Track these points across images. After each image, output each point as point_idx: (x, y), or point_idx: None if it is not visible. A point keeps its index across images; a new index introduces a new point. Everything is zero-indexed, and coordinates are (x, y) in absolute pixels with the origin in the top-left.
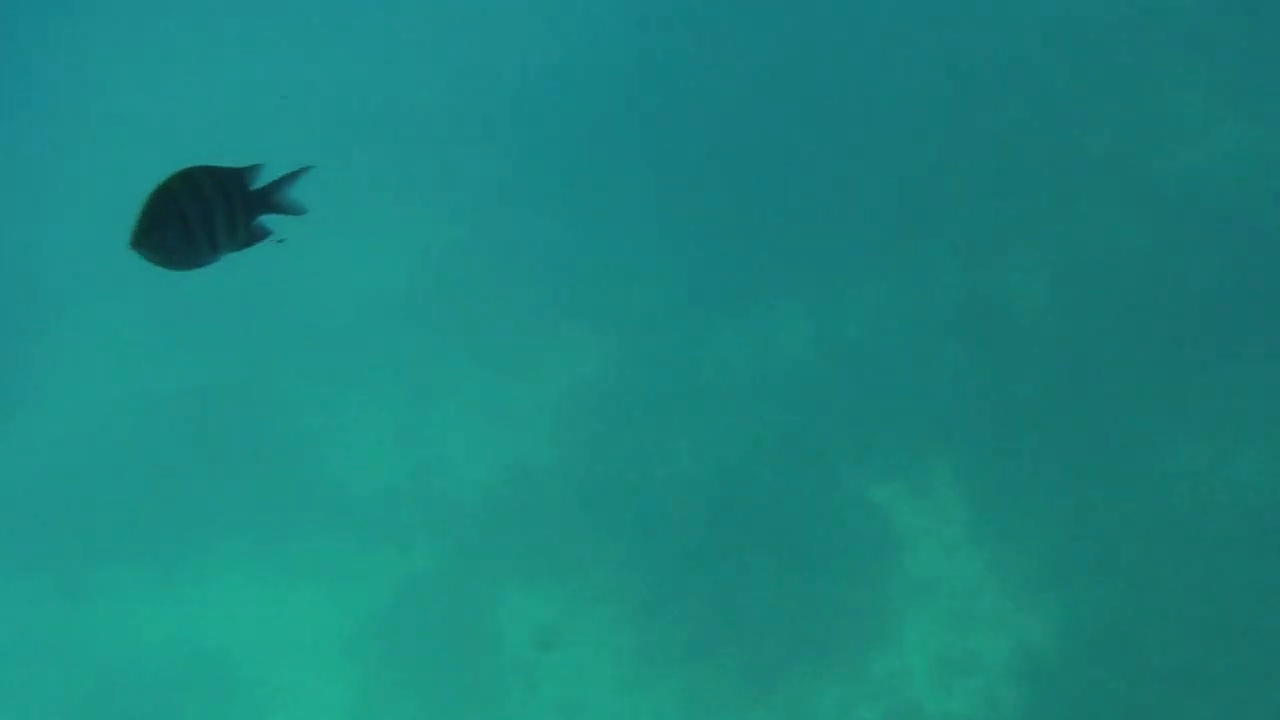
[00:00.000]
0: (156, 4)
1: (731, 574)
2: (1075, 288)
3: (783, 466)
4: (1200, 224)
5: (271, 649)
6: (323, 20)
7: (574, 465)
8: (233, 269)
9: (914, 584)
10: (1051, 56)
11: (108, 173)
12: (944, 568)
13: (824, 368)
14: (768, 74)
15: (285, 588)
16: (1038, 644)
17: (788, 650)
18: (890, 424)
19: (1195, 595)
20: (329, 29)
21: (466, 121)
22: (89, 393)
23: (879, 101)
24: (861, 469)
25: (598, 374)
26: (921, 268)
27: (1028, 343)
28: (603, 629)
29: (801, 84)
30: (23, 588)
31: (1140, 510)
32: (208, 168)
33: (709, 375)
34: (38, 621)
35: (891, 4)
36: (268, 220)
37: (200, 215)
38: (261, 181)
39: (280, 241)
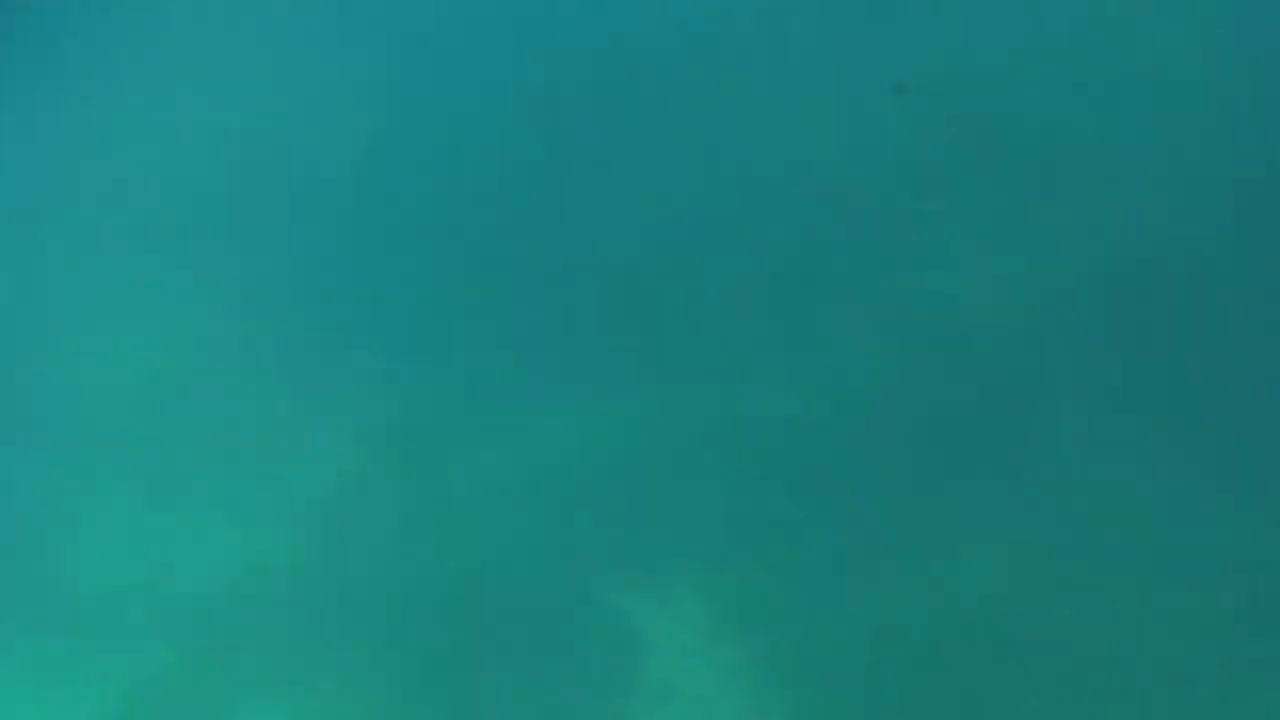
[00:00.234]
0: None
1: (471, 681)
2: (823, 401)
3: (532, 572)
4: (941, 342)
5: None
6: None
7: (314, 569)
8: None
9: (652, 689)
10: (804, 188)
11: None
12: (681, 673)
13: (578, 476)
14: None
15: (3, 688)
16: None
17: None
18: (635, 531)
19: (921, 702)
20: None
21: (238, 214)
22: None
23: (661, 217)
24: (606, 575)
25: (346, 477)
26: (678, 380)
27: (777, 455)
28: None
29: (568, 200)
30: None
31: (871, 619)
32: None
33: (461, 480)
34: None
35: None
36: None
37: None
38: None
39: None
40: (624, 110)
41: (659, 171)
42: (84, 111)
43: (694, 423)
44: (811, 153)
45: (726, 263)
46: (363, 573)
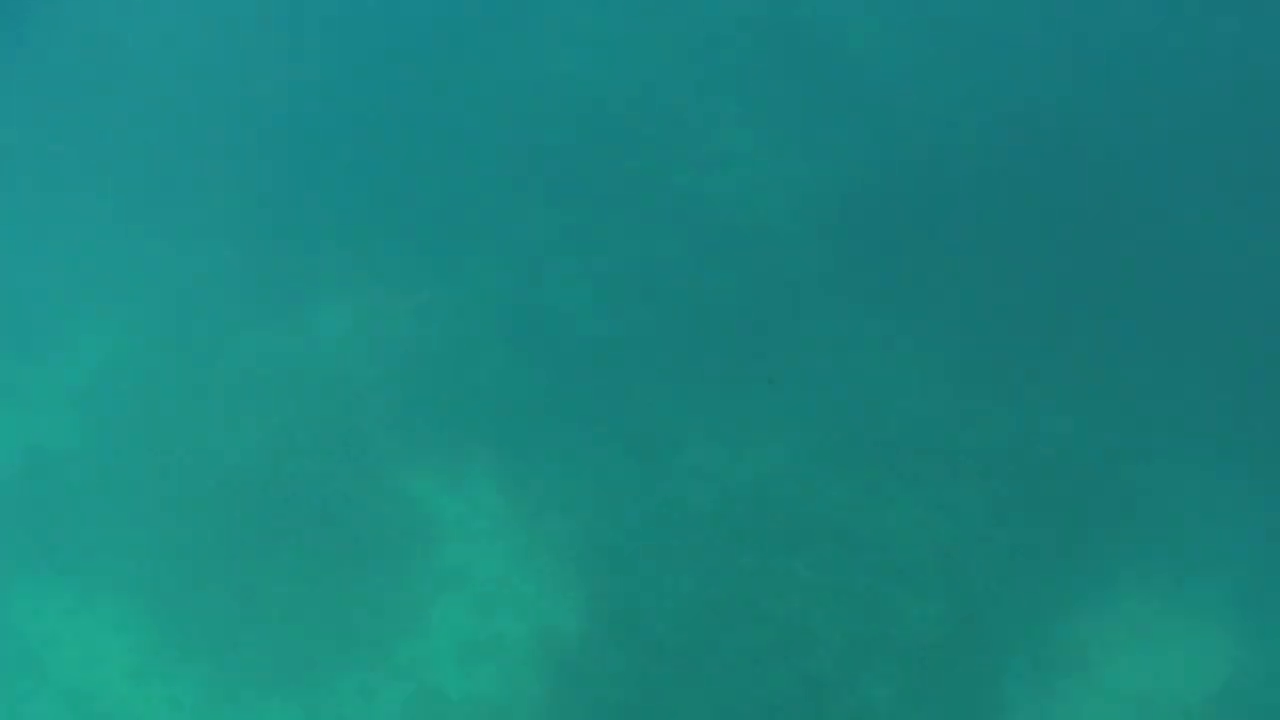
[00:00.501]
0: None
1: (259, 563)
2: (610, 295)
3: (320, 459)
4: (727, 238)
5: None
6: None
7: (96, 450)
8: None
9: (443, 571)
10: (608, 86)
11: None
12: (475, 557)
13: (368, 364)
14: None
15: None
16: (560, 628)
17: (313, 638)
18: (429, 420)
19: (707, 581)
20: None
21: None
22: None
23: (440, 117)
24: (400, 463)
25: (128, 356)
26: (471, 271)
27: (567, 344)
28: (120, 617)
29: (360, 93)
30: None
31: (660, 503)
32: None
33: (249, 366)
34: None
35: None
36: None
37: None
38: None
39: None
40: (402, 16)
41: (439, 76)
42: None
43: (484, 312)
44: (600, 56)
45: (513, 162)
46: (146, 458)
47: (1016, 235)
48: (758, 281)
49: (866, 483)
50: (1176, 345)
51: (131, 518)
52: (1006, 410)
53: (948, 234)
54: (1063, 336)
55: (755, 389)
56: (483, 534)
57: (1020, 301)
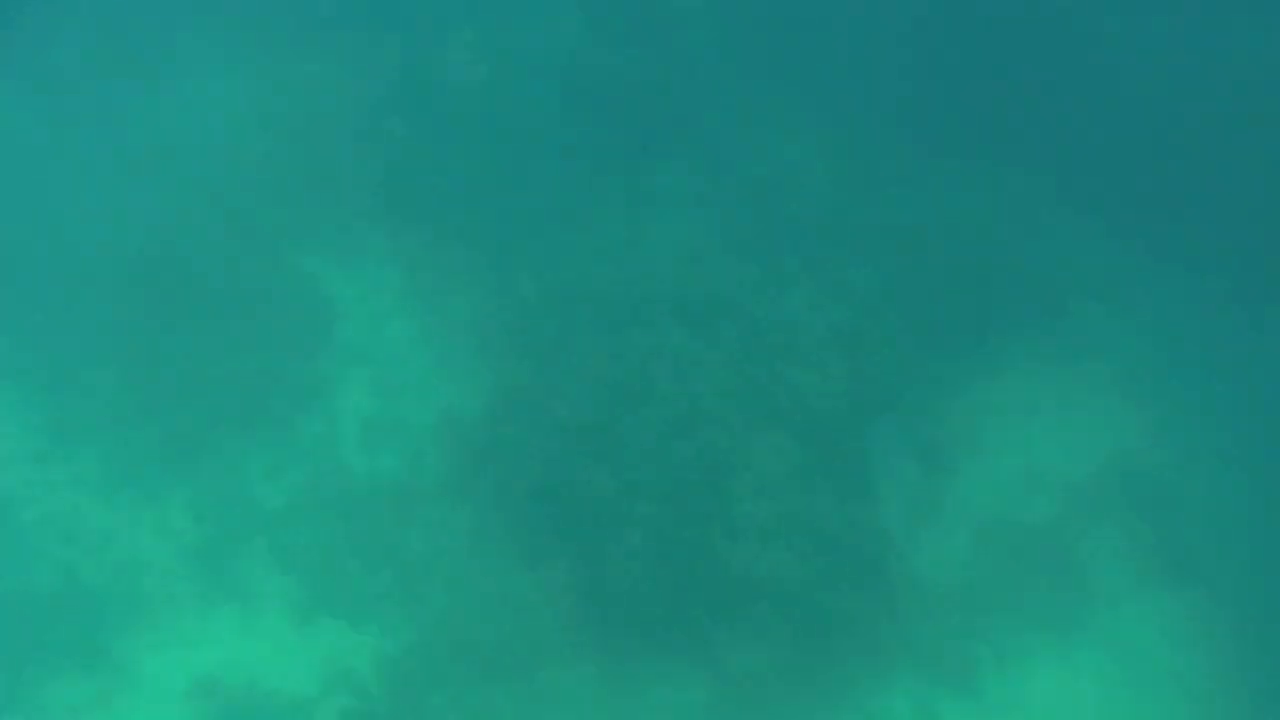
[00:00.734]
0: None
1: (157, 342)
2: (512, 68)
3: (213, 235)
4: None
5: None
6: None
7: None
8: None
9: (344, 352)
10: None
11: None
12: (374, 336)
13: (261, 139)
14: None
15: None
16: (461, 406)
17: (213, 417)
18: (325, 196)
19: (606, 360)
20: None
21: None
22: None
23: None
24: (295, 241)
25: (12, 137)
26: (367, 44)
27: (467, 121)
28: (18, 400)
29: None
30: None
31: (560, 284)
32: None
33: (138, 142)
34: None
35: None
36: None
37: None
38: None
39: None
40: None
41: None
42: None
43: (381, 87)
44: None
45: None
46: (36, 239)
47: (913, 17)
48: (659, 60)
49: (766, 263)
50: (1071, 128)
51: (23, 300)
52: (904, 191)
53: (848, 12)
54: (961, 117)
55: (655, 168)
56: (383, 313)
57: (919, 81)
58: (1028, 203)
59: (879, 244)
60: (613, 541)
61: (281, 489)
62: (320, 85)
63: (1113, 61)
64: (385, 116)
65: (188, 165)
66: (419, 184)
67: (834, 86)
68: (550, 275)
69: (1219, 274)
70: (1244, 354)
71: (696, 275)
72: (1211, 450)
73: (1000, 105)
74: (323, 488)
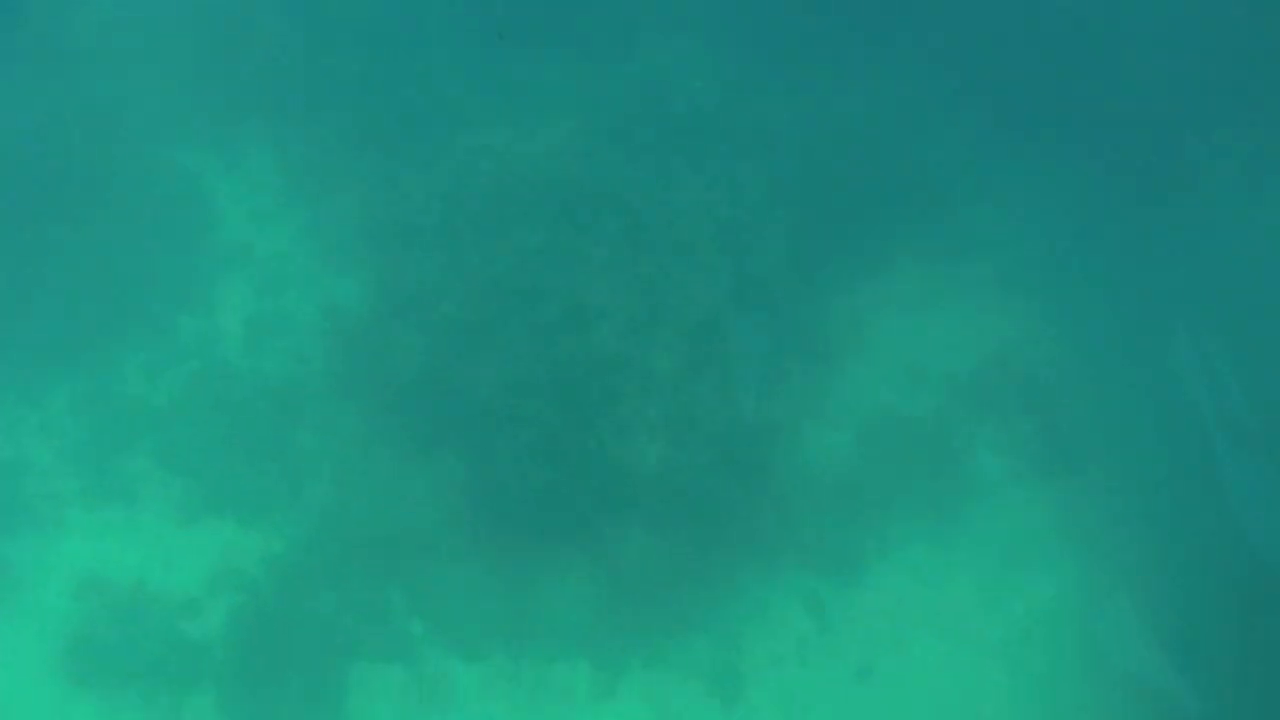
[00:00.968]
0: None
1: (31, 242)
2: None
3: (87, 132)
4: None
5: None
6: None
7: None
8: None
9: (225, 250)
10: None
11: None
12: (255, 233)
13: (136, 34)
14: None
15: None
16: (346, 304)
17: (92, 317)
18: (201, 91)
19: (492, 258)
20: None
21: None
22: None
23: None
24: (171, 137)
25: None
26: None
27: (345, 12)
28: None
29: None
30: None
31: (444, 181)
32: None
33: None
34: None
35: None
36: None
37: None
38: None
39: None
40: None
41: None
42: None
43: None
44: None
45: None
46: None
47: None
48: None
49: (651, 161)
50: (956, 27)
51: None
52: (789, 90)
53: None
54: (846, 16)
55: (539, 68)
56: (264, 212)
57: None
58: (913, 102)
59: (765, 143)
60: (501, 438)
61: (164, 388)
62: None
63: None
64: (263, 9)
65: (59, 61)
66: (298, 79)
67: None
68: (435, 172)
69: (1101, 171)
70: (1124, 250)
71: (583, 173)
72: (1090, 345)
73: (885, 3)
74: (206, 386)
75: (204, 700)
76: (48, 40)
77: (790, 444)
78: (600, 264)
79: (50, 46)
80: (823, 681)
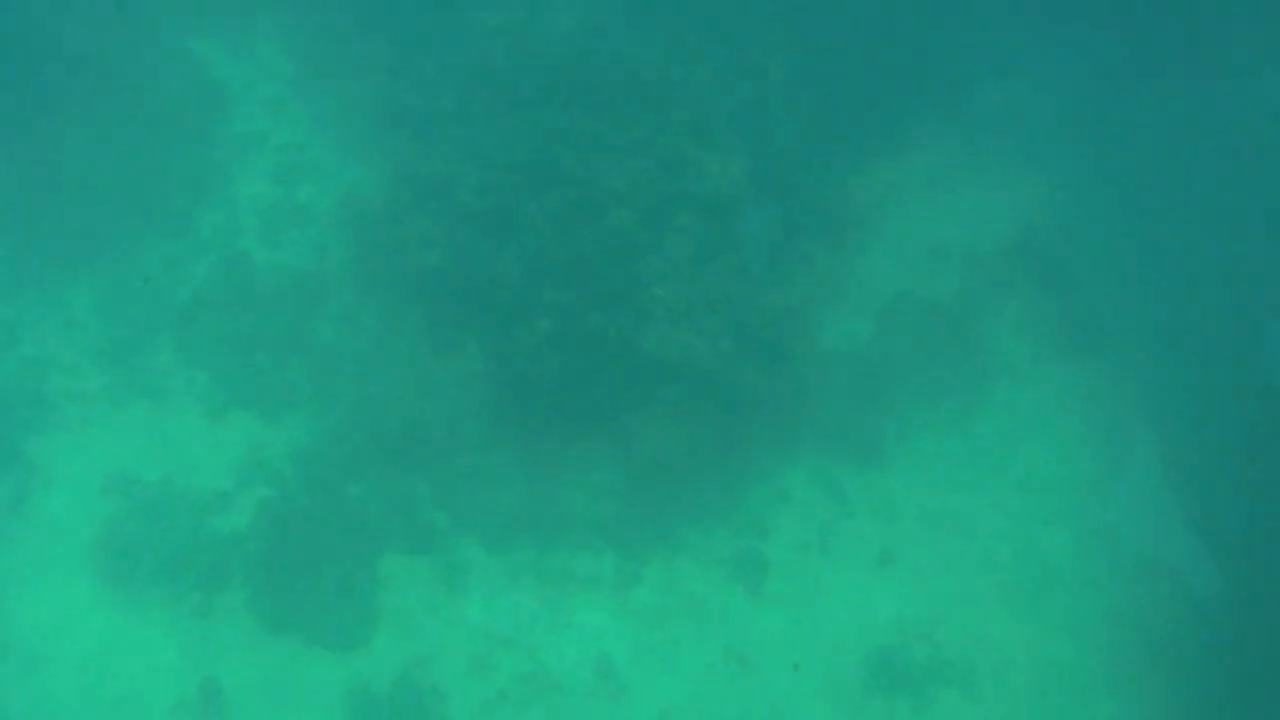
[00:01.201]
0: None
1: (43, 138)
2: None
3: (97, 22)
4: None
5: None
6: None
7: None
8: None
9: (240, 141)
10: None
11: None
12: (270, 123)
13: None
14: None
15: None
16: (363, 194)
17: (110, 212)
18: None
19: (508, 143)
20: None
21: None
22: None
23: None
24: (181, 23)
25: None
26: None
27: None
28: None
29: None
30: None
31: (459, 65)
32: None
33: None
34: None
35: None
36: None
37: None
38: None
39: None
40: None
41: None
42: None
43: None
44: None
45: None
46: None
47: None
48: None
49: (668, 42)
50: None
51: None
52: None
53: None
54: None
55: None
56: (278, 101)
57: None
58: None
59: (784, 22)
60: (522, 327)
61: (185, 282)
62: None
63: None
64: None
65: None
66: None
67: None
68: (449, 56)
69: (1119, 45)
70: (1146, 126)
71: (600, 54)
72: (1113, 223)
73: None
74: (226, 279)
75: (235, 595)
76: None
77: (810, 328)
78: (618, 147)
79: None
80: (845, 568)
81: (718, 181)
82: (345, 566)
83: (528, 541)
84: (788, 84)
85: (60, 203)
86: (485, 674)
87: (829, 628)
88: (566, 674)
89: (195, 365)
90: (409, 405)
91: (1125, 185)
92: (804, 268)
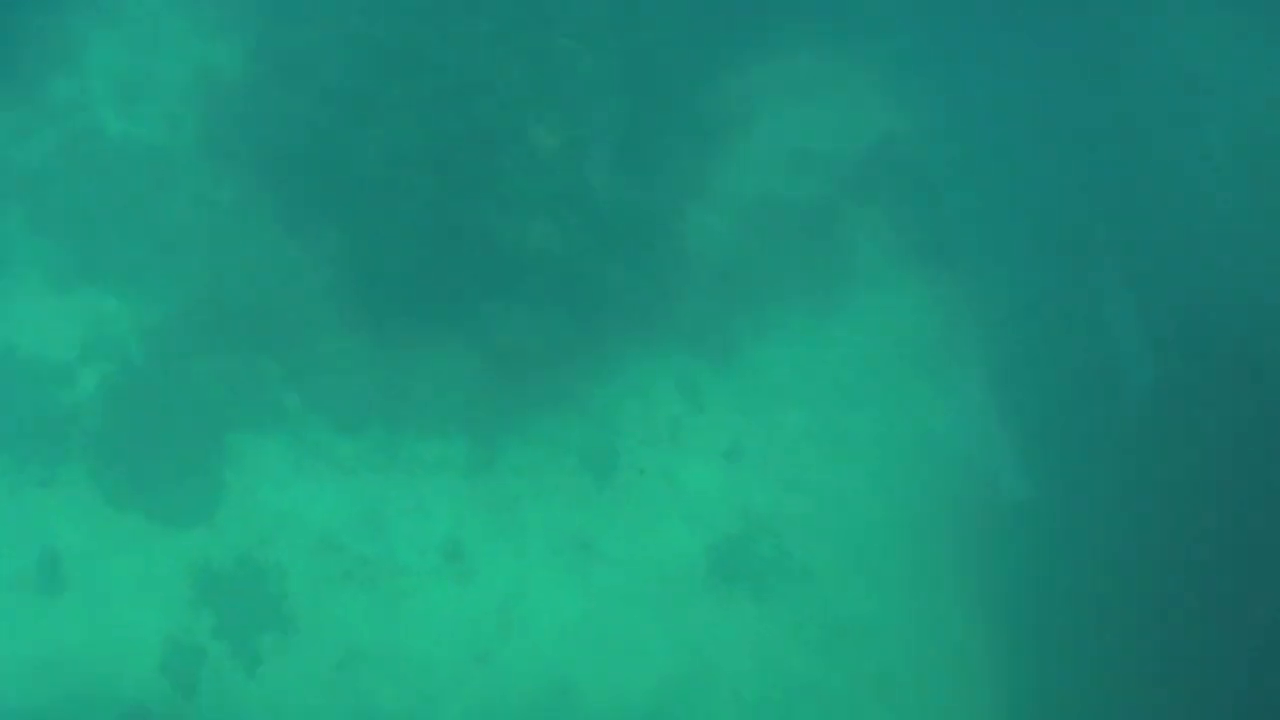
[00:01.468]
0: None
1: None
2: None
3: None
4: None
5: None
6: None
7: None
8: None
9: (96, 8)
10: None
11: None
12: None
13: None
14: None
15: None
16: (222, 68)
17: None
18: None
19: (375, 25)
20: None
21: None
22: None
23: None
24: None
25: None
26: None
27: None
28: None
29: None
30: None
31: None
32: None
33: None
34: None
35: None
36: None
37: None
38: None
39: None
40: None
41: None
42: None
43: None
44: None
45: None
46: None
47: None
48: None
49: None
50: None
51: None
52: None
53: None
54: None
55: None
56: None
57: None
58: None
59: None
60: (381, 212)
61: (34, 151)
62: None
63: None
64: None
65: None
66: None
67: None
68: None
69: None
70: (1013, 41)
71: None
72: (976, 136)
73: None
74: (77, 150)
75: (76, 467)
76: None
77: (673, 226)
78: (488, 36)
79: None
80: (694, 462)
81: (588, 77)
82: (190, 443)
83: (378, 425)
84: None
85: None
86: (330, 554)
87: (674, 518)
88: (413, 557)
89: (42, 235)
90: (261, 286)
91: (990, 100)
92: (669, 166)
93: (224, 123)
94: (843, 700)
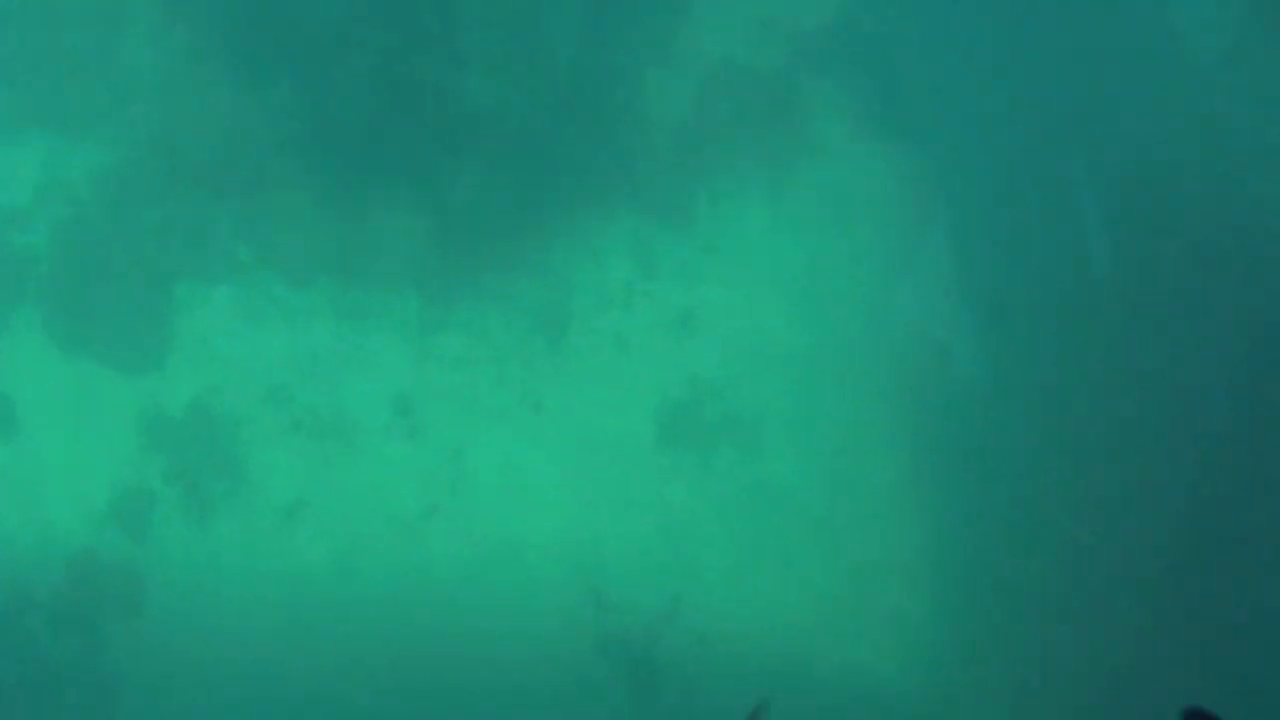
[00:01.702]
0: None
1: None
2: None
3: None
4: None
5: None
6: None
7: None
8: None
9: None
10: None
11: None
12: None
13: None
14: None
15: None
16: None
17: None
18: None
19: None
20: None
21: None
22: None
23: None
24: None
25: None
26: None
27: None
28: None
29: None
30: None
31: None
32: None
33: None
34: None
35: None
36: None
37: None
38: None
39: None
40: None
41: None
42: None
43: None
44: None
45: None
46: None
47: None
48: None
49: None
50: None
51: None
52: None
53: None
54: None
55: None
56: None
57: None
58: None
59: None
60: (335, 64)
61: None
62: None
63: None
64: None
65: None
66: None
67: None
68: None
69: None
70: None
71: None
72: (943, 10)
73: None
74: None
75: (31, 310)
76: None
77: (631, 89)
78: None
79: None
80: (645, 327)
81: None
82: (141, 291)
83: (331, 280)
84: None
85: None
86: (280, 404)
87: (624, 382)
88: (363, 410)
89: None
90: (214, 136)
91: None
92: (630, 27)
93: None
94: (783, 557)
